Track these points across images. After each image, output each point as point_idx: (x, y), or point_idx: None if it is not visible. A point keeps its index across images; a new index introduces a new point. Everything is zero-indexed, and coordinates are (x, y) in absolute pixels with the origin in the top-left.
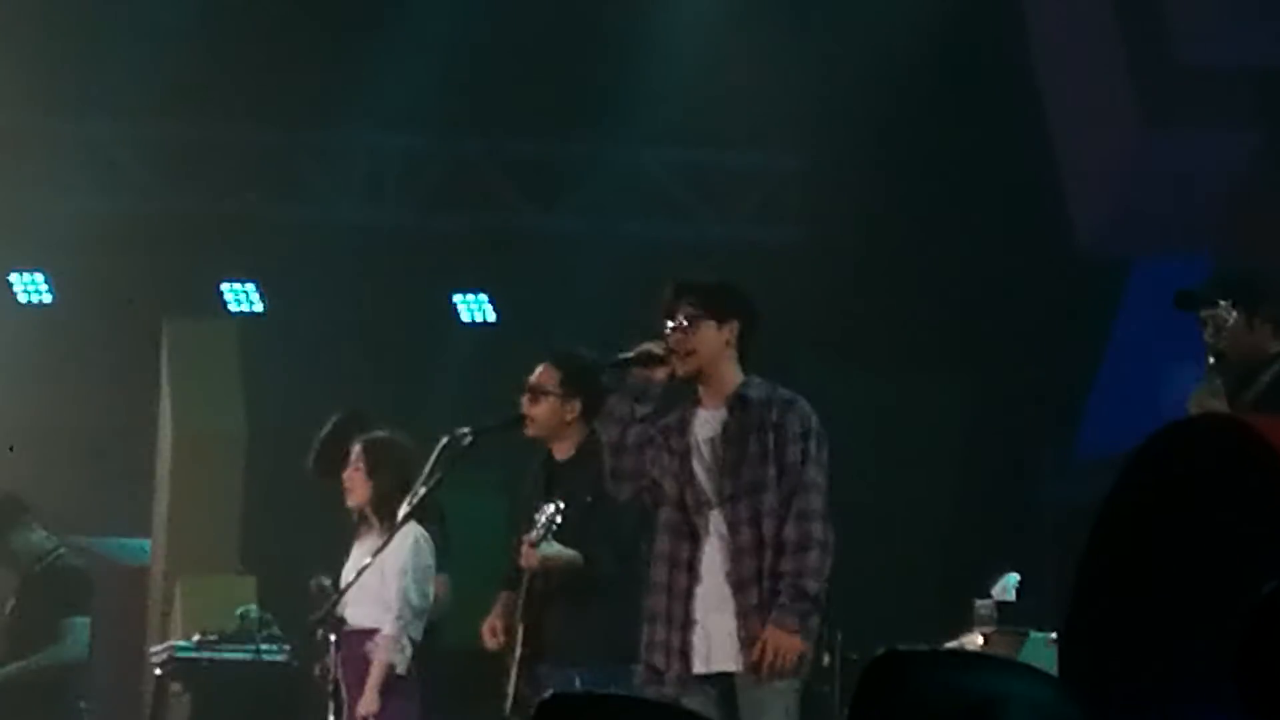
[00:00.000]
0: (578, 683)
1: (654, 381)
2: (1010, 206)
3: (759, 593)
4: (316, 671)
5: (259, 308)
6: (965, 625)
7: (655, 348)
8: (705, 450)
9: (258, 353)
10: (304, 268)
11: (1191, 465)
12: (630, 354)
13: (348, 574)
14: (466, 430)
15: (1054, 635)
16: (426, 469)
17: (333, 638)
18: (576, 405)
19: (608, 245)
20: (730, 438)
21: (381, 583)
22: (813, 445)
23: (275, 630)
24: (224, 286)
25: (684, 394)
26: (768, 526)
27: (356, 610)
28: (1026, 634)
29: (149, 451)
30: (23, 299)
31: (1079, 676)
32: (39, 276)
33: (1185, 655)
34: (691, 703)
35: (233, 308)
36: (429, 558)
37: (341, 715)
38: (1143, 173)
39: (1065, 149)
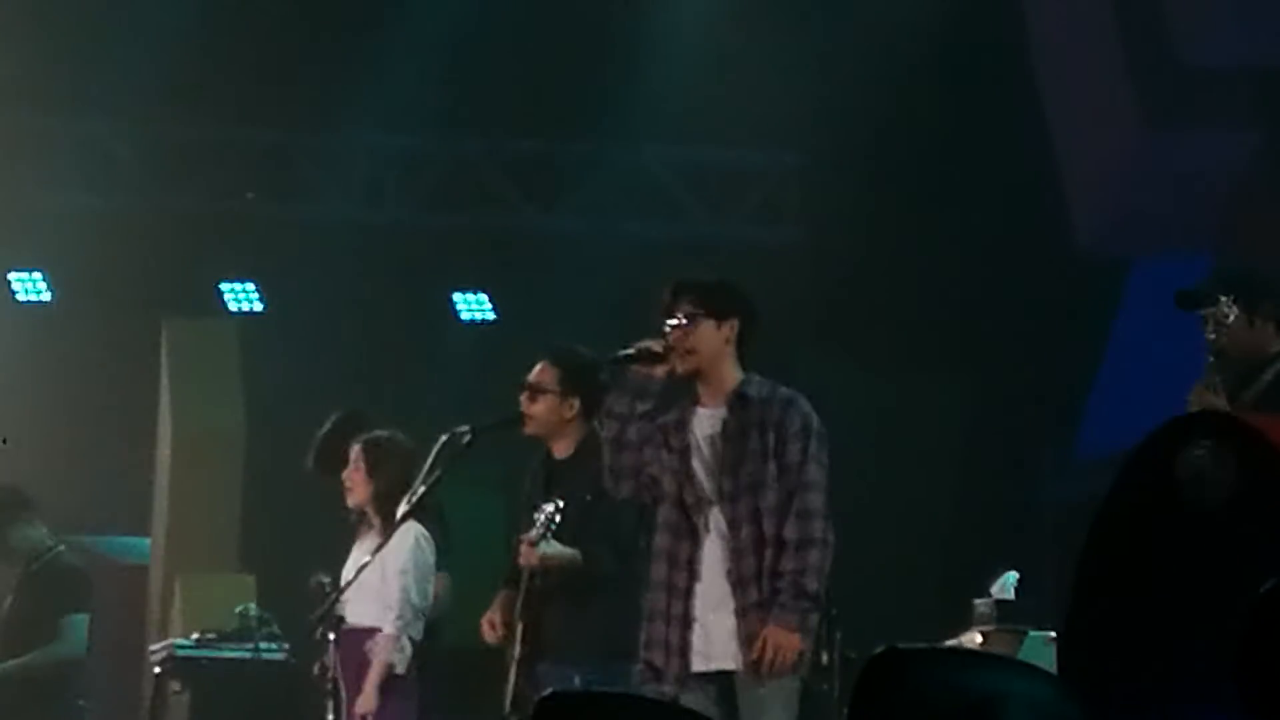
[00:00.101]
0: (577, 681)
1: (654, 379)
2: (1010, 206)
3: (759, 591)
4: (315, 670)
5: (258, 307)
6: (964, 624)
7: (655, 345)
8: (705, 448)
9: (257, 352)
10: (303, 267)
11: (1190, 464)
12: (630, 351)
13: (347, 573)
14: (466, 428)
15: (1053, 634)
16: (426, 467)
17: (332, 636)
18: (575, 403)
19: (607, 244)
20: (730, 436)
21: (382, 582)
22: (813, 444)
23: (274, 629)
24: (223, 286)
25: (683, 392)
26: (768, 525)
27: (356, 609)
28: (1025, 633)
29: (148, 450)
30: (22, 298)
31: (1078, 676)
32: (38, 275)
33: (1185, 655)
34: (690, 701)
35: (232, 307)
36: (429, 557)
37: (340, 714)
38: (1143, 172)
39: (1065, 149)
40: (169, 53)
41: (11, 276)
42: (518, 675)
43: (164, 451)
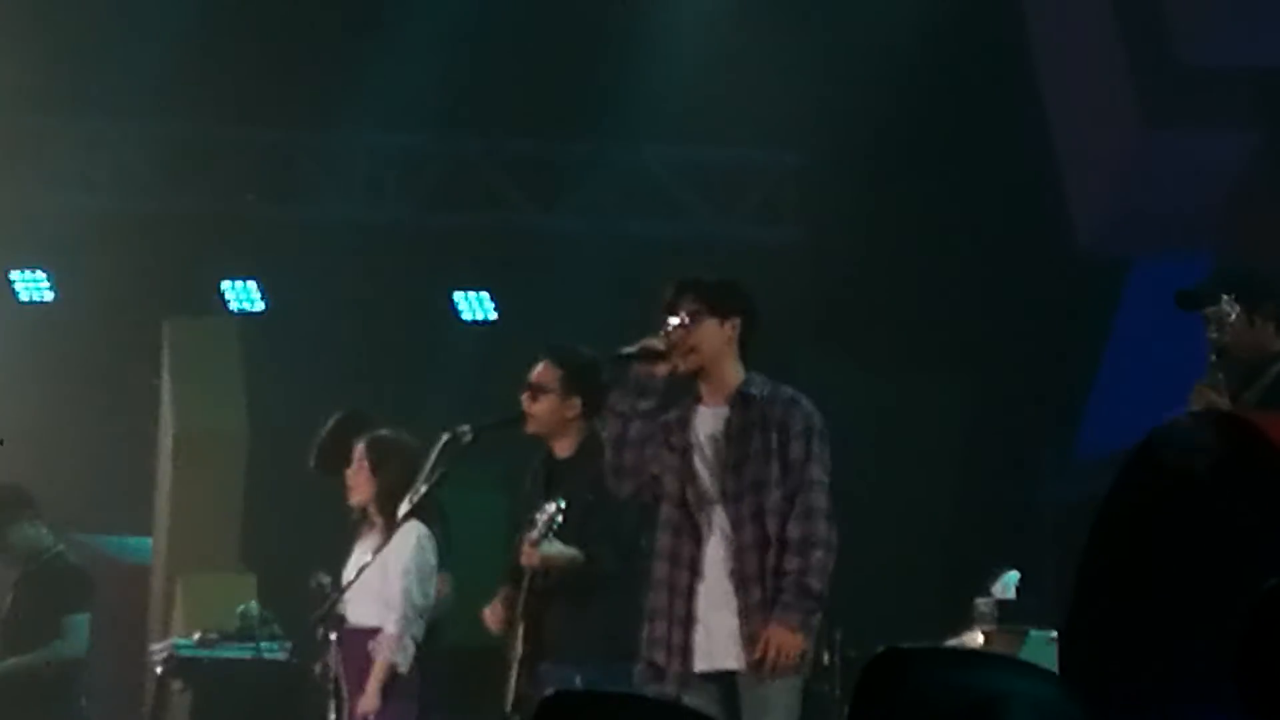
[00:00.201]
0: (578, 681)
1: (656, 377)
2: (1010, 206)
3: (762, 590)
4: (317, 670)
5: (260, 306)
6: (966, 623)
7: (657, 343)
8: (707, 447)
9: (258, 351)
10: (305, 266)
11: (1192, 463)
12: (632, 349)
13: (348, 572)
14: (467, 428)
15: (1054, 633)
16: (427, 467)
17: (333, 636)
18: (577, 403)
19: (608, 244)
20: (733, 435)
21: (383, 581)
22: (816, 443)
23: (276, 628)
24: (225, 285)
25: (685, 390)
26: (771, 524)
27: (357, 609)
28: (1027, 632)
29: (150, 450)
30: (24, 297)
31: (1080, 676)
32: (40, 275)
33: (1185, 655)
34: (692, 700)
35: (233, 306)
36: (432, 556)
37: (342, 713)
38: (1143, 172)
39: (1065, 148)
40: (171, 53)
41: (14, 276)
42: (519, 675)
43: (165, 451)
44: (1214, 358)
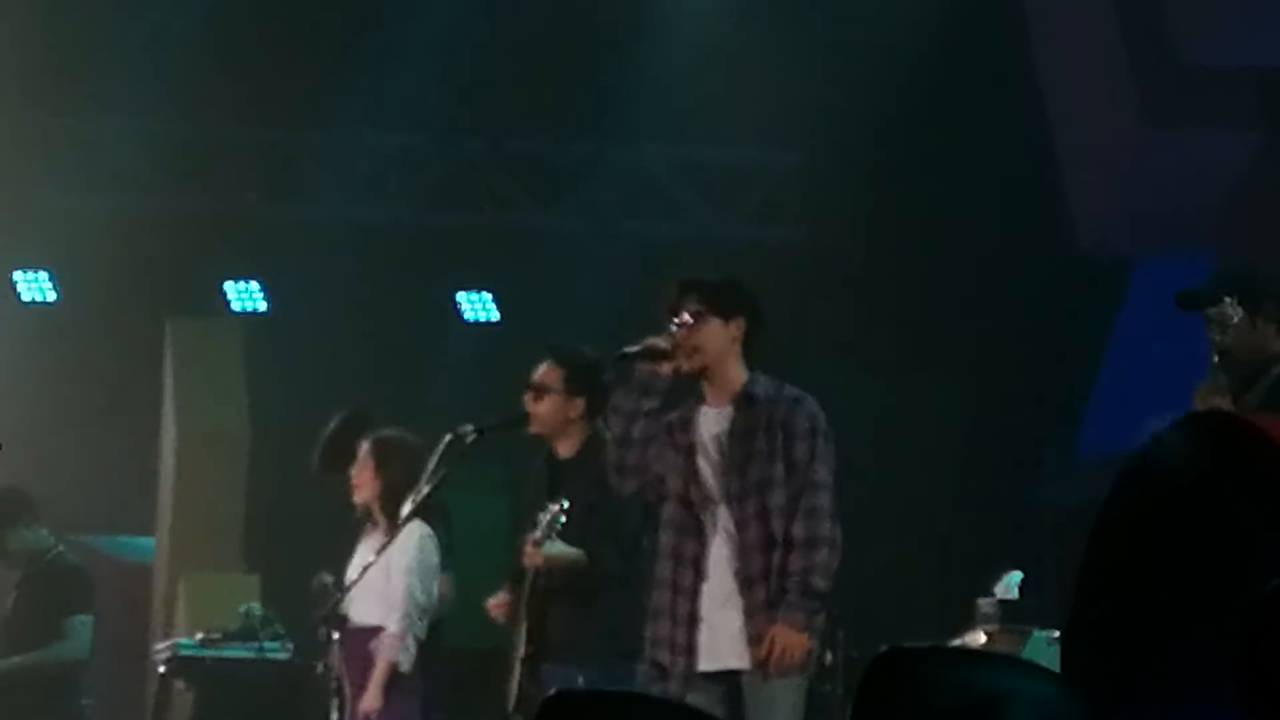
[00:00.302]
0: (581, 681)
1: (660, 376)
2: (1011, 206)
3: (766, 590)
4: (319, 669)
5: (262, 306)
6: (968, 623)
7: (661, 342)
8: (711, 447)
9: (261, 351)
10: (307, 266)
11: (1193, 464)
12: (636, 348)
13: (351, 572)
14: (470, 428)
15: (1056, 633)
16: (430, 467)
17: (336, 636)
18: (579, 403)
19: (609, 244)
20: (737, 435)
21: (386, 581)
22: (820, 443)
23: (278, 628)
24: (227, 285)
25: (688, 390)
26: (776, 524)
27: (360, 608)
28: (1029, 632)
29: (152, 449)
30: (26, 297)
31: (1080, 677)
32: (43, 275)
33: (1185, 655)
34: (696, 700)
35: (236, 306)
36: (434, 556)
37: (344, 713)
38: (1144, 172)
39: (1066, 148)
40: (173, 53)
41: (16, 276)
42: (522, 675)
43: (168, 450)
44: (1216, 359)
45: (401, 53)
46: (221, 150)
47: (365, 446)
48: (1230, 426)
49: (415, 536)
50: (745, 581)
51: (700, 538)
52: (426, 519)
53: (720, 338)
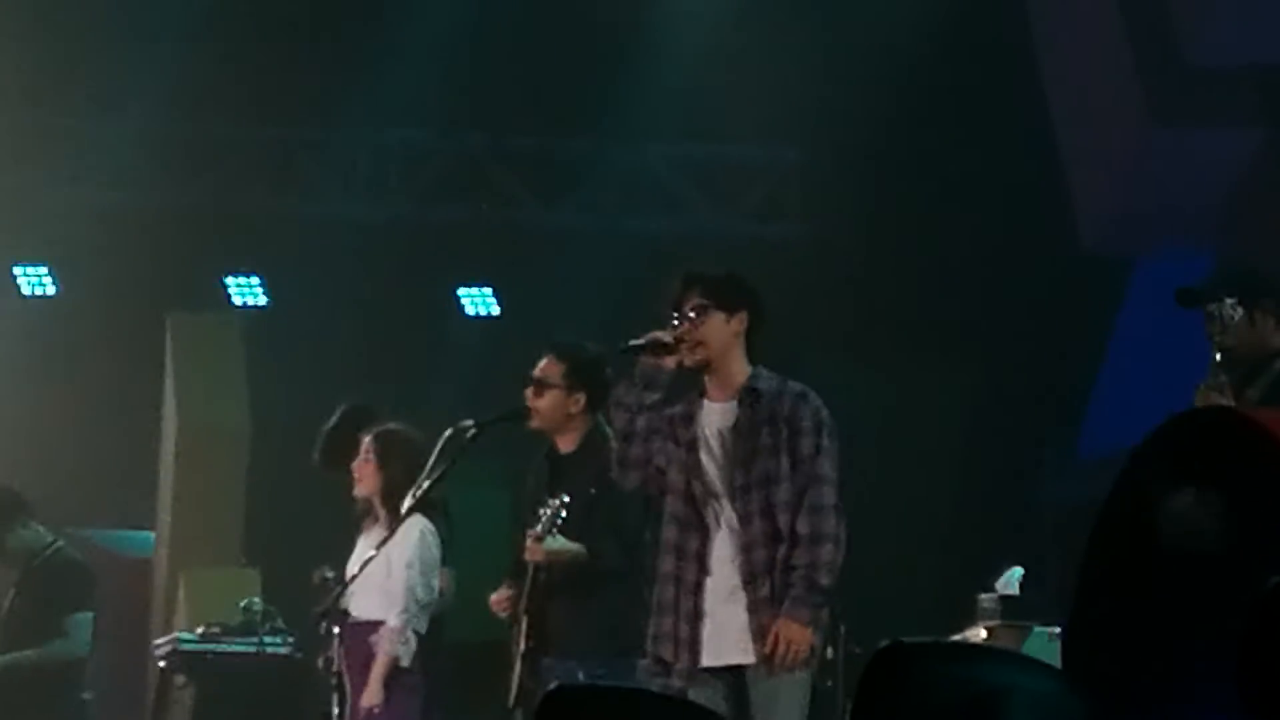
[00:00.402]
0: (581, 675)
1: (662, 370)
2: (1014, 204)
3: (770, 585)
4: (320, 664)
5: (263, 301)
6: (969, 619)
7: (665, 335)
8: (714, 442)
9: (261, 346)
10: (308, 261)
11: (1194, 460)
12: (641, 341)
13: (352, 566)
14: (470, 423)
15: (1057, 629)
16: (430, 461)
17: (336, 630)
18: (580, 398)
19: (610, 239)
20: (742, 430)
21: (387, 575)
22: (825, 438)
23: (279, 622)
24: (228, 280)
25: (690, 384)
26: (781, 519)
27: (361, 602)
28: (1030, 628)
29: (153, 444)
30: (26, 291)
31: (1081, 678)
32: (43, 269)
33: (1185, 655)
34: (699, 695)
35: (236, 301)
36: (435, 551)
37: (344, 707)
38: (1147, 170)
39: (1069, 146)
40: (174, 50)
41: (17, 270)
42: (522, 669)
43: (168, 445)
44: (1217, 358)
45: (402, 49)
46: (222, 146)
47: (367, 441)
48: (1230, 421)
49: (416, 531)
50: (749, 576)
51: (703, 532)
52: (427, 513)
53: (723, 332)
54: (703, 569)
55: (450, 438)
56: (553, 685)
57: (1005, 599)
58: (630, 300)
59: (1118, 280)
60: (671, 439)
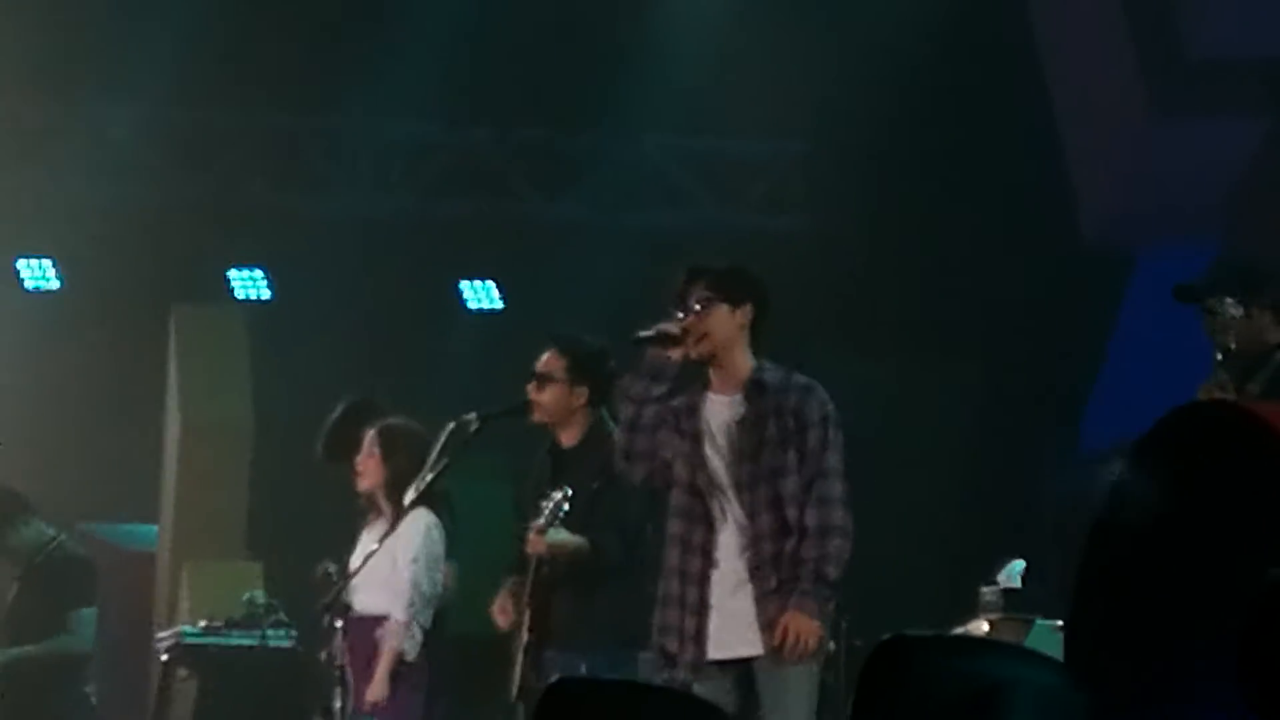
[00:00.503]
0: (583, 668)
1: (669, 361)
2: (1017, 197)
3: (777, 577)
4: (322, 657)
5: (266, 295)
6: (971, 612)
7: (672, 327)
8: (720, 435)
9: (265, 339)
10: (311, 255)
11: (1195, 454)
12: (649, 332)
13: (355, 560)
14: (473, 416)
15: (1059, 622)
16: (433, 455)
17: (339, 624)
18: (583, 391)
19: (613, 233)
20: (748, 422)
21: (392, 569)
22: (832, 431)
23: (282, 616)
24: (231, 273)
25: (692, 376)
26: (788, 512)
27: (364, 596)
28: (1032, 621)
29: (156, 437)
30: (29, 285)
31: (1083, 672)
32: (46, 263)
33: (1184, 655)
34: (705, 688)
35: (240, 295)
36: (440, 545)
37: (347, 701)
38: (1150, 163)
39: (1072, 141)
40: (178, 42)
41: (20, 264)
42: (524, 663)
43: (171, 439)
44: (1219, 357)
45: (405, 42)
46: (225, 139)
47: (370, 435)
48: (1231, 414)
49: (422, 525)
50: (756, 568)
51: (708, 525)
52: (431, 507)
53: (728, 324)
54: (708, 561)
55: (453, 431)
56: (554, 678)
57: (1007, 592)
58: (633, 294)
59: (1121, 273)
60: (675, 431)
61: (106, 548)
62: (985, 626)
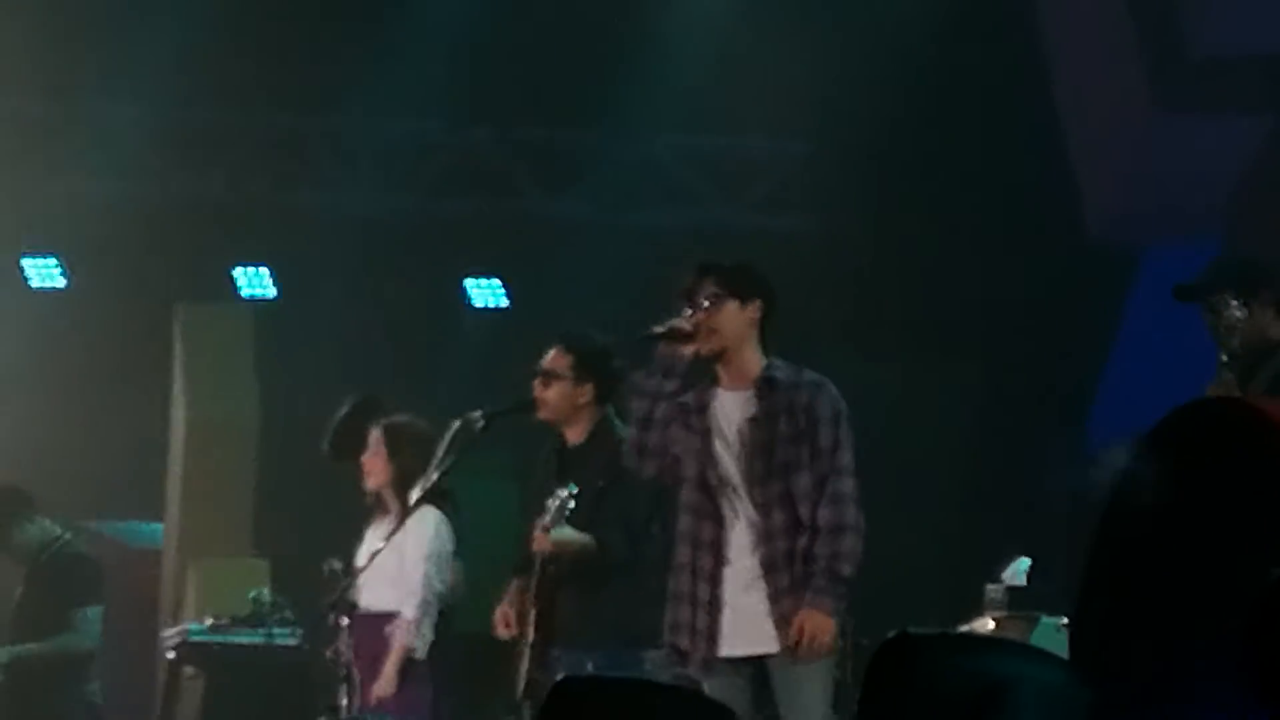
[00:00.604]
0: (589, 667)
1: (680, 358)
2: (1020, 196)
3: (790, 574)
4: (328, 655)
5: (271, 293)
6: (976, 610)
7: (684, 324)
8: (730, 432)
9: (270, 337)
10: (316, 253)
11: (1199, 451)
12: (661, 329)
13: (361, 558)
14: (479, 414)
15: (1064, 620)
16: (439, 453)
17: (345, 621)
18: (588, 389)
19: (617, 231)
20: (760, 419)
21: (399, 567)
22: (843, 429)
23: (287, 614)
24: (237, 272)
25: (701, 373)
26: (801, 509)
27: (370, 594)
28: (1037, 619)
29: (161, 436)
30: (35, 283)
31: (1087, 670)
32: (52, 261)
33: (1185, 654)
34: (716, 685)
35: (245, 293)
36: (450, 543)
37: (353, 699)
38: (1154, 160)
39: (1076, 138)
40: (183, 39)
41: (25, 262)
42: (530, 661)
43: (177, 437)
44: (1224, 359)
45: (410, 40)
46: (231, 137)
47: (377, 433)
48: (1236, 412)
49: (431, 523)
50: (769, 565)
51: (718, 522)
52: (438, 505)
53: (737, 320)
54: (719, 558)
55: (459, 429)
56: (560, 676)
57: (1012, 590)
58: (638, 292)
59: (1126, 269)
60: (686, 427)
61: (112, 545)
62: (990, 624)
